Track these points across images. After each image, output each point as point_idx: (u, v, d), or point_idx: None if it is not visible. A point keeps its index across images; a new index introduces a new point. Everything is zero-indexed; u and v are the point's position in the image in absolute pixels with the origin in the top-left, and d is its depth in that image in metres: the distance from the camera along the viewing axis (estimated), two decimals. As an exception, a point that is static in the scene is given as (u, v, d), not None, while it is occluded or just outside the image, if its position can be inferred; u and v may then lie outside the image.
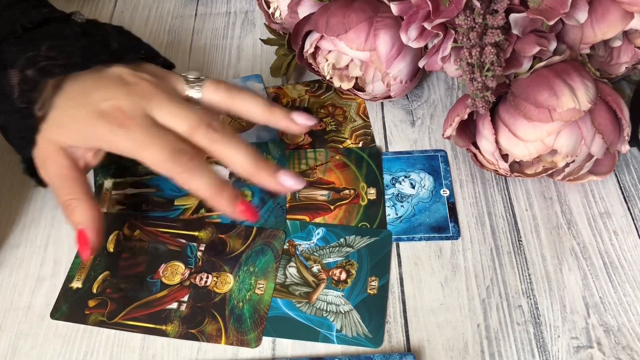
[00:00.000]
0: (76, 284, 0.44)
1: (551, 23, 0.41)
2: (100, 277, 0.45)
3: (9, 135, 0.44)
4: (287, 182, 0.42)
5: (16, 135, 0.43)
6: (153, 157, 0.39)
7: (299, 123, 0.44)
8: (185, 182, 0.39)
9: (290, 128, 0.44)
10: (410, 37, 0.46)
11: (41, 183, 0.44)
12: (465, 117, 0.45)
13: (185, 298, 0.43)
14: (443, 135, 0.48)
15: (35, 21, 0.43)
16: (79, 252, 0.40)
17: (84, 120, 0.40)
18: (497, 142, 0.45)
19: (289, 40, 0.55)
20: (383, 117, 0.55)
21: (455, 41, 0.43)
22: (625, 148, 0.45)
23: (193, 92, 0.43)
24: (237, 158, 0.41)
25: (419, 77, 0.53)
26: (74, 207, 0.40)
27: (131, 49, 0.46)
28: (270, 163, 0.42)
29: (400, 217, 0.48)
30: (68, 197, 0.40)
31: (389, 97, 0.53)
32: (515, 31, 0.42)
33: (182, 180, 0.39)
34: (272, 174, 0.41)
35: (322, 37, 0.50)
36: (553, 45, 0.44)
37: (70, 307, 0.43)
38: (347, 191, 0.49)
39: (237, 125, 0.54)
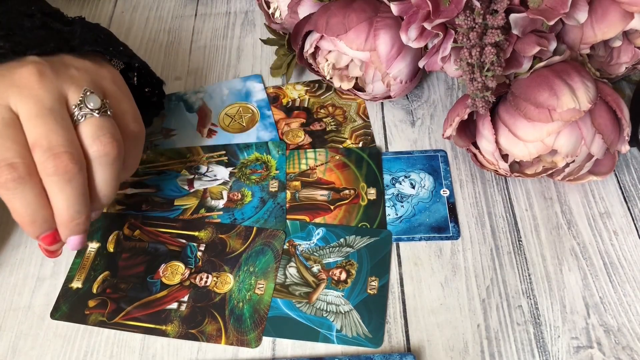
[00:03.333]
0: (76, 284, 0.44)
1: (551, 23, 0.41)
2: (100, 277, 0.45)
3: None
4: (70, 243, 0.39)
5: None
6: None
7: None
8: (4, 199, 0.36)
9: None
10: (410, 37, 0.46)
11: None
12: (465, 117, 0.45)
13: (185, 298, 0.43)
14: (443, 135, 0.48)
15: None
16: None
17: None
18: (497, 142, 0.45)
19: (289, 40, 0.55)
20: (383, 117, 0.55)
21: (455, 41, 0.43)
22: (625, 148, 0.45)
23: (74, 115, 0.38)
24: (56, 203, 0.37)
25: (419, 77, 0.53)
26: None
27: (87, 42, 0.42)
28: (79, 227, 0.38)
29: (400, 217, 0.48)
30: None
31: (389, 97, 0.53)
32: (515, 31, 0.42)
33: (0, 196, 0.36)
34: (70, 235, 0.38)
35: (322, 37, 0.50)
36: (553, 45, 0.44)
37: (70, 307, 0.43)
38: (347, 191, 0.49)
39: (236, 126, 0.54)
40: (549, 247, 0.46)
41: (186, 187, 0.50)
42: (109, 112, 0.39)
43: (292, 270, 0.45)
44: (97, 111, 0.38)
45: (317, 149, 0.52)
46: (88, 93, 0.38)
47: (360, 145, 0.53)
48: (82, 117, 0.38)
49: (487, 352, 0.41)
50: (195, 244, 0.46)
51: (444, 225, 0.47)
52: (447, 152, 0.52)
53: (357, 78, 0.53)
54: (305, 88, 0.57)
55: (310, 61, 0.53)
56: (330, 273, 0.44)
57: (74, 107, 0.38)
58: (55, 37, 0.41)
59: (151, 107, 0.53)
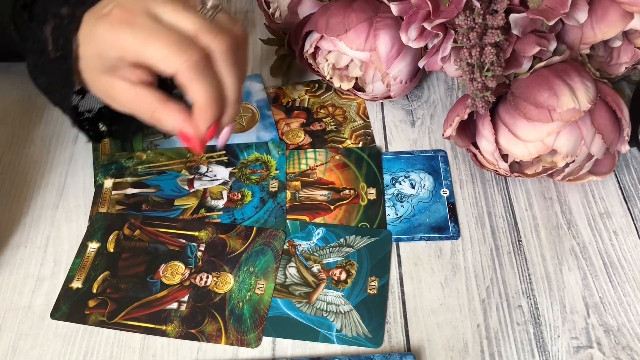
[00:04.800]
0: (76, 284, 0.44)
1: (551, 23, 0.41)
2: (100, 277, 0.45)
3: (52, 90, 0.43)
4: (222, 135, 0.42)
5: (58, 87, 0.42)
6: (158, 52, 0.37)
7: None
8: (189, 82, 0.37)
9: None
10: (410, 38, 0.46)
11: (92, 138, 0.45)
12: (465, 117, 0.45)
13: (185, 298, 0.43)
14: (443, 135, 0.48)
15: None
16: (190, 149, 0.41)
17: (92, 34, 0.39)
18: (497, 142, 0.45)
19: (289, 40, 0.55)
20: (383, 117, 0.55)
21: (455, 41, 0.43)
22: (625, 148, 0.45)
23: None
24: (229, 81, 0.39)
25: (419, 77, 0.53)
26: (158, 118, 0.40)
27: None
28: (238, 109, 0.42)
29: (400, 217, 0.48)
30: (149, 114, 0.40)
31: (389, 97, 0.53)
32: (515, 31, 0.42)
33: (186, 78, 0.37)
34: (229, 119, 0.41)
35: (322, 37, 0.50)
36: (553, 45, 0.44)
37: (70, 307, 0.43)
38: (347, 191, 0.49)
39: (236, 126, 0.54)
40: (549, 247, 0.46)
41: (186, 187, 0.50)
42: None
43: (292, 270, 0.45)
44: (218, 8, 0.40)
45: (317, 149, 0.52)
46: None
47: (360, 145, 0.53)
48: (211, 14, 0.40)
49: (487, 352, 0.41)
50: (195, 244, 0.46)
51: (444, 225, 0.47)
52: (447, 152, 0.52)
53: (357, 78, 0.53)
54: (305, 88, 0.57)
55: (310, 61, 0.53)
56: (330, 273, 0.44)
57: (199, 10, 0.40)
58: None
59: None
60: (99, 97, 0.42)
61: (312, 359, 0.41)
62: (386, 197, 0.49)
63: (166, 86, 0.52)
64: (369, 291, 0.43)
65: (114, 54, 0.38)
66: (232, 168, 0.51)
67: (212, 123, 0.40)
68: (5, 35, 0.44)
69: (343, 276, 0.44)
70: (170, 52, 0.36)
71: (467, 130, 0.49)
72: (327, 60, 0.52)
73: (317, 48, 0.52)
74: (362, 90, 0.54)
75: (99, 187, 0.50)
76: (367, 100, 0.55)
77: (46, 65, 0.41)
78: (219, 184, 0.50)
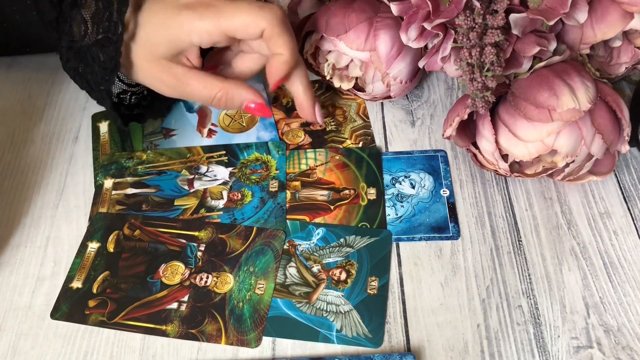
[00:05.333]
0: (76, 284, 0.44)
1: (551, 23, 0.41)
2: (100, 277, 0.45)
3: (85, 74, 0.43)
4: (320, 115, 0.47)
5: (99, 70, 0.42)
6: (244, 19, 0.40)
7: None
8: (277, 36, 0.41)
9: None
10: (410, 38, 0.46)
11: (123, 124, 0.47)
12: (465, 117, 0.45)
13: (185, 298, 0.43)
14: (443, 135, 0.48)
15: None
16: (261, 115, 0.45)
17: (170, 21, 0.41)
18: (497, 142, 0.45)
19: (289, 40, 0.55)
20: (383, 117, 0.55)
21: (455, 41, 0.44)
22: (625, 148, 0.45)
23: None
24: (294, 36, 0.43)
25: (419, 77, 0.53)
26: (222, 99, 0.43)
27: None
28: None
29: (400, 217, 0.48)
30: (211, 96, 0.43)
31: (389, 97, 0.53)
32: (515, 31, 0.42)
33: (274, 33, 0.41)
34: (304, 71, 0.46)
35: (322, 37, 0.50)
36: (553, 45, 0.44)
37: (70, 307, 0.43)
38: (347, 191, 0.49)
39: (236, 125, 0.54)
40: (549, 247, 0.46)
41: (186, 187, 0.50)
42: None
43: (292, 270, 0.45)
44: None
45: (317, 149, 0.52)
46: None
47: (360, 145, 0.53)
48: None
49: (487, 352, 0.41)
50: (195, 244, 0.46)
51: (444, 225, 0.47)
52: (447, 152, 0.52)
53: (357, 78, 0.53)
54: (305, 88, 0.57)
55: (311, 61, 0.53)
56: (330, 273, 0.44)
57: None
58: None
59: None
60: (141, 81, 0.43)
61: (312, 359, 0.41)
62: (386, 197, 0.49)
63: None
64: (369, 291, 0.43)
65: (193, 40, 0.41)
66: (232, 168, 0.51)
67: (284, 75, 0.43)
68: (8, 25, 0.44)
69: (343, 276, 0.44)
70: (254, 15, 0.40)
71: (467, 130, 0.49)
72: (327, 60, 0.52)
73: (317, 48, 0.52)
74: (362, 90, 0.54)
75: (99, 187, 0.50)
76: (367, 100, 0.55)
77: (87, 48, 0.42)
78: (219, 184, 0.50)
